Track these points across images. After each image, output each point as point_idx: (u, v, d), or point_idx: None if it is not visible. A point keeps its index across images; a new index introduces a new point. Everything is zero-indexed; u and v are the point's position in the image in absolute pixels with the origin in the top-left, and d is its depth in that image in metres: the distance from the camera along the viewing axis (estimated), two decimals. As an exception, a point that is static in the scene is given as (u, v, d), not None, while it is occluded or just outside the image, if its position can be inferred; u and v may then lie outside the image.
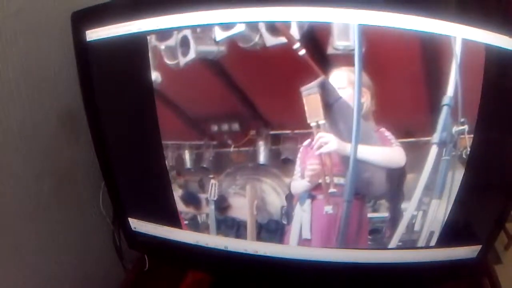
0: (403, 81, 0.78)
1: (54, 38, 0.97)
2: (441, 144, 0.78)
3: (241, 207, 0.91)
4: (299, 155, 0.85)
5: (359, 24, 0.73)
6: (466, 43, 0.72)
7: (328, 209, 0.84)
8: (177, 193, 0.94)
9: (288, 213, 0.88)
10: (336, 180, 0.83)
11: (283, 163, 0.87)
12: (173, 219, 0.96)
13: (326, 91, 0.78)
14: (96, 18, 0.84)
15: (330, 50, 0.77)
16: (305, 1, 0.73)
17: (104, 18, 0.84)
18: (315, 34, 0.77)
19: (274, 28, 0.77)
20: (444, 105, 0.76)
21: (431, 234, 0.85)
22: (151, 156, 0.92)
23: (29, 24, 0.91)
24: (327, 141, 0.80)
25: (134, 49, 0.84)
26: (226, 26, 0.79)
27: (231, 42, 0.80)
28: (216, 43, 0.80)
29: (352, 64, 0.75)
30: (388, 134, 0.80)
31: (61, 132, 1.04)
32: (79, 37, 0.86)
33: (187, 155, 0.91)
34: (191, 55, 0.82)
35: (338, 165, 0.82)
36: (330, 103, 0.79)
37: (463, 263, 0.88)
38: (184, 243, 0.97)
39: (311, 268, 0.91)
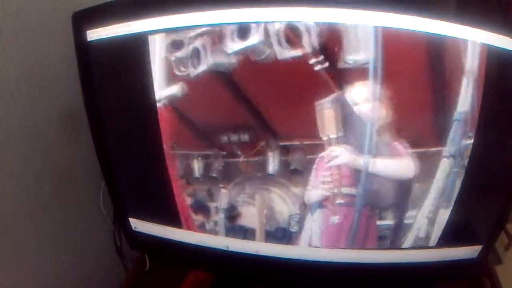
0: (417, 95, 0.80)
1: (54, 38, 0.97)
2: (451, 157, 0.80)
3: (250, 216, 0.92)
4: (314, 166, 0.86)
5: (375, 26, 0.74)
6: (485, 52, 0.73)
7: (334, 219, 0.87)
8: (186, 201, 0.95)
9: (300, 221, 0.90)
10: (344, 190, 0.85)
11: (291, 174, 0.88)
12: (174, 219, 0.95)
13: (340, 106, 0.79)
14: (97, 18, 0.84)
15: (341, 64, 0.78)
16: (325, 2, 0.73)
17: (105, 18, 0.83)
18: (326, 48, 0.77)
19: (286, 41, 0.77)
20: (455, 120, 0.78)
21: (432, 234, 0.86)
22: (151, 156, 0.91)
23: (29, 23, 0.90)
24: (337, 155, 0.82)
25: (135, 49, 0.83)
26: (239, 37, 0.79)
27: (243, 55, 0.80)
28: (228, 55, 0.80)
29: (367, 79, 0.77)
30: (400, 147, 0.81)
31: (61, 131, 1.04)
32: (80, 37, 0.86)
33: (196, 165, 0.91)
34: (202, 66, 0.82)
35: (348, 176, 0.84)
36: (343, 117, 0.80)
37: (463, 263, 0.89)
38: (185, 243, 0.98)
39: (313, 268, 0.92)
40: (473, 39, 0.72)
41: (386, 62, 0.76)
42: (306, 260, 0.92)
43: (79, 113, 0.98)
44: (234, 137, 0.87)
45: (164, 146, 0.89)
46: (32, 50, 0.92)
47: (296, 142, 0.86)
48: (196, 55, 0.82)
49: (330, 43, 0.77)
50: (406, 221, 0.86)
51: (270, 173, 0.89)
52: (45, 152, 1.00)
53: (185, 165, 0.92)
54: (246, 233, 0.94)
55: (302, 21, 0.75)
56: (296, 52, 0.78)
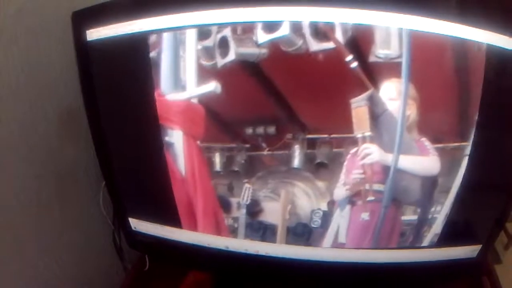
0: (445, 92, 0.81)
1: (54, 38, 0.97)
2: None
3: (273, 211, 0.91)
4: (345, 163, 0.86)
5: (408, 30, 0.74)
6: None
7: (365, 215, 0.87)
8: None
9: (324, 217, 0.90)
10: (375, 187, 0.85)
11: (317, 167, 0.88)
12: (173, 218, 0.95)
13: (374, 104, 0.80)
14: (97, 17, 0.83)
15: (372, 58, 0.78)
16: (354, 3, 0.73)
17: (105, 17, 0.83)
18: (357, 42, 0.77)
19: (319, 33, 0.77)
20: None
21: (432, 233, 0.87)
22: (151, 156, 0.91)
23: (29, 23, 0.91)
24: (370, 152, 0.83)
25: (135, 49, 0.83)
26: (269, 28, 0.78)
27: (274, 45, 0.79)
28: (258, 45, 0.79)
29: (399, 75, 0.77)
30: (427, 144, 0.83)
31: (61, 131, 1.04)
32: (80, 37, 0.85)
33: (217, 158, 0.90)
34: (231, 56, 0.81)
35: (379, 173, 0.84)
36: (377, 115, 0.81)
37: (463, 263, 0.89)
38: (185, 243, 0.97)
39: (312, 268, 0.92)
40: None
41: (414, 59, 0.76)
42: (306, 259, 0.92)
43: (79, 113, 0.97)
44: (260, 129, 0.86)
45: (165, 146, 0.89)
46: (32, 50, 0.92)
47: (324, 135, 0.86)
48: (224, 44, 0.81)
49: (362, 36, 0.77)
50: (430, 216, 0.87)
51: (295, 166, 0.88)
52: (45, 152, 1.00)
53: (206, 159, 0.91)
54: (266, 230, 0.93)
55: (330, 21, 0.76)
56: (329, 45, 0.78)
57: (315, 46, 0.78)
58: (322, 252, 0.91)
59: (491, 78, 0.74)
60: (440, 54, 0.78)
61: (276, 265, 0.94)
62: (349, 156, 0.86)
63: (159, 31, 0.81)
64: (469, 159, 0.79)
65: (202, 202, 0.93)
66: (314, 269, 0.93)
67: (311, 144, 0.87)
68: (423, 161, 0.84)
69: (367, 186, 0.86)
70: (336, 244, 0.90)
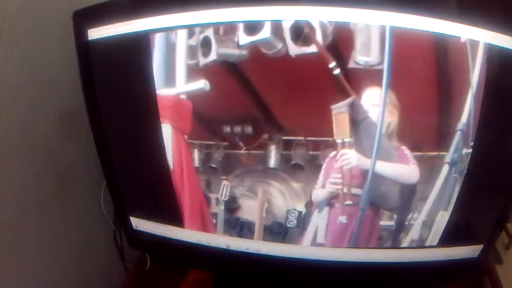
0: (427, 102, 0.82)
1: (55, 37, 0.97)
2: (452, 163, 0.82)
3: (250, 209, 0.93)
4: (324, 165, 0.87)
5: (383, 27, 0.75)
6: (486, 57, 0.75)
7: (342, 218, 0.88)
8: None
9: (305, 218, 0.91)
10: (353, 191, 0.86)
11: (292, 168, 0.90)
12: (174, 217, 0.95)
13: (355, 111, 0.81)
14: (98, 17, 0.84)
15: (351, 65, 0.79)
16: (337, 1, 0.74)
17: (106, 17, 0.83)
18: (337, 47, 0.78)
19: (299, 37, 0.78)
20: (457, 130, 0.80)
21: (433, 234, 0.87)
22: (152, 155, 0.91)
23: (30, 23, 0.91)
24: (348, 158, 0.84)
25: (136, 48, 0.83)
26: (251, 30, 0.79)
27: (254, 47, 0.80)
28: (239, 47, 0.81)
29: (379, 82, 0.78)
30: (407, 152, 0.84)
31: (61, 131, 1.04)
32: (81, 36, 0.86)
33: (196, 154, 0.92)
34: (212, 56, 0.82)
35: (357, 177, 0.85)
36: (357, 122, 0.82)
37: (464, 263, 0.89)
38: (186, 241, 0.97)
39: (313, 267, 0.92)
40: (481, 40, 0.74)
41: (395, 65, 0.77)
42: (306, 259, 0.92)
43: (79, 113, 0.98)
44: (237, 128, 0.88)
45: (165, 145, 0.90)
46: (32, 50, 0.92)
47: (300, 137, 0.87)
48: (206, 44, 0.82)
49: (342, 42, 0.78)
50: (407, 222, 0.87)
51: (271, 166, 0.90)
52: (45, 152, 1.00)
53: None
54: (244, 227, 0.95)
55: (313, 20, 0.76)
56: (308, 49, 0.79)
57: (294, 50, 0.79)
58: (322, 252, 0.91)
59: (493, 78, 0.75)
60: (424, 63, 0.80)
61: (276, 265, 0.94)
62: (327, 159, 0.86)
63: (159, 30, 0.82)
64: (470, 159, 0.80)
65: (188, 196, 0.94)
66: (315, 269, 0.93)
67: (287, 145, 0.88)
68: (402, 169, 0.84)
69: (345, 190, 0.86)
70: (330, 244, 0.91)
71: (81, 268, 1.16)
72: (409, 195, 0.86)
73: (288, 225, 0.92)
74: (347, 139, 0.83)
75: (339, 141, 0.83)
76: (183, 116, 0.89)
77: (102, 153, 0.97)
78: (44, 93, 0.97)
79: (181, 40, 0.84)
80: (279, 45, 0.79)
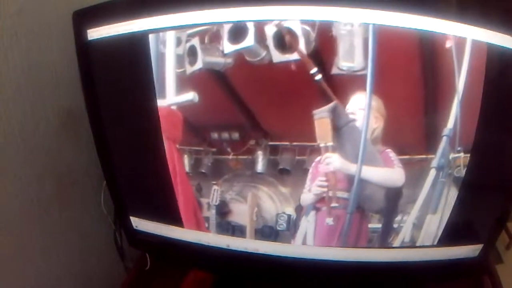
0: (414, 107, 0.82)
1: (55, 38, 0.97)
2: (439, 168, 0.83)
3: (240, 213, 0.94)
4: (310, 170, 0.88)
5: (374, 24, 0.75)
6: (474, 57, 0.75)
7: (329, 221, 0.89)
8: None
9: (295, 222, 0.92)
10: (339, 194, 0.87)
11: (280, 173, 0.91)
12: (175, 217, 0.96)
13: (336, 116, 0.82)
14: (98, 17, 0.84)
15: (334, 71, 0.80)
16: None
17: (105, 17, 0.83)
18: (320, 53, 0.79)
19: (282, 44, 0.79)
20: (444, 135, 0.81)
21: (437, 229, 0.87)
22: (152, 155, 0.92)
23: (30, 23, 0.90)
24: (331, 162, 0.85)
25: (136, 48, 0.84)
26: (235, 38, 0.80)
27: (239, 55, 0.81)
28: (224, 55, 0.82)
29: (362, 88, 0.78)
30: (392, 155, 0.84)
31: (62, 131, 1.04)
32: (81, 36, 0.86)
33: (186, 160, 0.93)
34: (198, 65, 0.84)
35: (342, 181, 0.86)
36: (339, 126, 0.83)
37: (464, 262, 0.89)
38: (186, 241, 0.98)
39: (313, 267, 0.93)
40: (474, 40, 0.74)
41: (380, 70, 0.77)
42: (306, 258, 0.93)
43: (80, 113, 0.99)
44: (225, 135, 0.89)
45: (165, 144, 0.90)
46: (32, 50, 0.92)
47: (286, 143, 0.89)
48: (192, 53, 0.83)
49: (325, 48, 0.78)
50: (396, 225, 0.88)
51: (259, 171, 0.91)
52: (46, 152, 1.00)
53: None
54: (235, 230, 0.96)
55: (295, 19, 0.77)
56: (291, 57, 0.80)
57: (278, 57, 0.80)
58: (322, 251, 0.92)
59: (493, 78, 0.75)
60: (409, 67, 0.80)
61: (276, 264, 0.95)
62: (314, 164, 0.88)
63: (159, 31, 0.82)
64: (470, 159, 0.80)
65: (183, 201, 0.96)
66: (314, 268, 0.93)
67: (273, 150, 0.89)
68: (387, 173, 0.85)
69: (330, 193, 0.87)
70: (330, 245, 0.92)
71: (82, 268, 1.16)
72: (395, 198, 0.86)
73: (278, 228, 0.93)
74: (329, 143, 0.84)
75: (322, 145, 0.84)
76: (174, 126, 0.91)
77: (102, 154, 0.97)
78: (44, 93, 0.97)
79: (170, 49, 0.85)
80: (263, 53, 0.80)
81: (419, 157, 0.84)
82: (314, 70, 0.79)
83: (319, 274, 0.95)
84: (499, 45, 0.72)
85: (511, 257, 1.15)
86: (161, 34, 0.83)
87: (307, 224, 0.91)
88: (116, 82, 0.89)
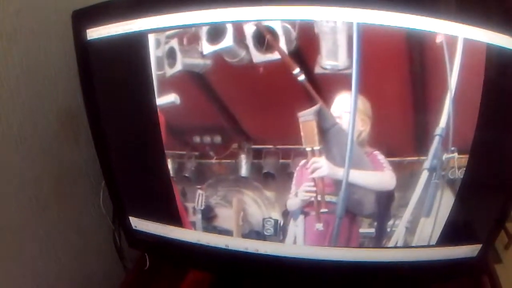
0: (402, 108, 0.80)
1: (54, 37, 0.96)
2: (432, 169, 0.80)
3: (226, 218, 0.93)
4: (295, 174, 0.86)
5: (358, 23, 0.72)
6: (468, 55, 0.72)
7: (319, 226, 0.87)
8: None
9: (282, 227, 0.91)
10: (327, 198, 0.85)
11: (264, 177, 0.89)
12: (174, 217, 0.96)
13: (322, 118, 0.79)
14: (97, 16, 0.83)
15: (318, 70, 0.77)
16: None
17: (105, 16, 0.83)
18: (302, 52, 0.76)
19: (262, 44, 0.77)
20: (436, 135, 0.78)
21: (432, 233, 0.86)
22: (151, 155, 0.92)
23: (29, 23, 0.90)
24: (320, 166, 0.83)
25: (135, 48, 0.83)
26: (214, 39, 0.78)
27: (218, 56, 0.79)
28: (203, 56, 0.80)
29: (347, 87, 0.76)
30: (381, 157, 0.82)
31: (61, 131, 1.04)
32: (80, 36, 0.86)
33: (170, 164, 0.91)
34: (178, 67, 0.82)
35: (330, 185, 0.84)
36: (325, 129, 0.80)
37: (463, 262, 0.89)
38: (185, 241, 0.98)
39: (312, 267, 0.92)
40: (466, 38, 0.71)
41: (366, 68, 0.75)
42: (306, 258, 0.92)
43: (79, 113, 0.99)
44: (207, 138, 0.87)
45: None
46: (31, 50, 0.92)
47: (269, 146, 0.86)
48: (172, 55, 0.82)
49: (307, 46, 0.76)
50: (388, 229, 0.86)
51: (243, 175, 0.89)
52: (45, 152, 1.00)
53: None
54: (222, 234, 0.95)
55: (276, 20, 0.75)
56: (272, 56, 0.77)
57: (258, 57, 0.78)
58: (322, 251, 0.91)
59: (493, 78, 0.73)
60: (397, 65, 0.77)
61: (275, 264, 0.94)
62: (298, 168, 0.86)
63: (158, 30, 0.81)
64: (469, 159, 0.78)
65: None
66: (313, 268, 0.93)
67: (257, 154, 0.87)
68: (376, 176, 0.83)
69: (318, 198, 0.85)
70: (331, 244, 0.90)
71: (81, 268, 1.16)
72: (386, 202, 0.84)
73: (266, 233, 0.92)
74: (316, 147, 0.81)
75: (308, 149, 0.82)
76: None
77: (101, 153, 0.97)
78: (43, 93, 0.97)
79: (151, 51, 0.84)
80: (242, 53, 0.78)
81: (409, 158, 0.81)
82: (296, 70, 0.77)
83: (318, 274, 0.94)
84: (496, 45, 0.71)
85: (510, 257, 1.16)
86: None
87: (296, 229, 0.90)
88: (115, 82, 0.89)
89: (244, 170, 0.88)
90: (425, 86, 0.77)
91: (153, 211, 0.99)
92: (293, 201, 0.88)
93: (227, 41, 0.77)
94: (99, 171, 1.00)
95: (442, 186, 0.81)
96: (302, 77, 0.77)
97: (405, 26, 0.71)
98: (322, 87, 0.78)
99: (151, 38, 0.82)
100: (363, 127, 0.80)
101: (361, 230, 0.88)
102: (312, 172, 0.83)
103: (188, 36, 0.80)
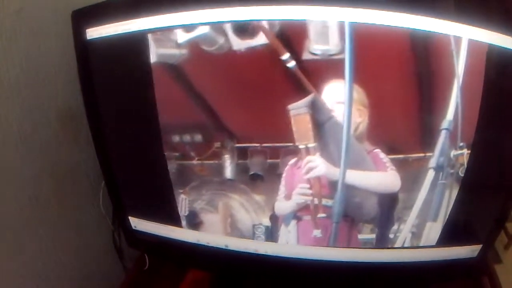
0: (400, 97, 0.73)
1: (54, 37, 0.96)
2: (439, 168, 0.74)
3: (213, 224, 0.87)
4: (284, 174, 0.80)
5: (350, 23, 0.66)
6: (471, 49, 0.66)
7: (317, 233, 0.81)
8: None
9: (272, 233, 0.85)
10: (325, 202, 0.78)
11: (252, 179, 0.82)
12: (173, 217, 0.93)
13: (317, 111, 0.71)
14: (97, 16, 0.82)
15: (306, 56, 0.70)
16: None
17: (104, 16, 0.81)
18: (288, 36, 0.69)
19: (242, 29, 0.70)
20: (443, 129, 0.72)
21: (432, 233, 0.82)
22: (151, 155, 0.89)
23: (29, 23, 0.89)
24: (315, 166, 0.75)
25: (135, 48, 0.81)
26: (190, 27, 0.73)
27: (194, 45, 0.74)
28: (178, 45, 0.74)
29: (341, 75, 0.68)
30: (383, 156, 0.75)
31: (60, 131, 1.03)
32: (80, 36, 0.84)
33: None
34: (152, 58, 0.77)
35: (328, 187, 0.77)
36: (321, 123, 0.73)
37: (463, 263, 0.87)
38: (185, 241, 0.95)
39: (312, 267, 0.89)
40: (470, 37, 0.65)
41: (360, 53, 0.67)
42: (305, 258, 0.88)
43: (79, 113, 0.97)
44: (187, 137, 0.81)
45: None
46: (31, 50, 0.91)
47: (255, 144, 0.79)
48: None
49: (293, 30, 0.69)
50: (390, 235, 0.81)
51: (228, 177, 0.82)
52: (44, 152, 0.99)
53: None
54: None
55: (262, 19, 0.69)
56: (254, 42, 0.70)
57: (238, 44, 0.71)
58: (321, 251, 0.86)
59: (493, 78, 0.69)
60: (396, 48, 0.70)
61: (275, 264, 0.91)
62: (287, 167, 0.78)
63: (157, 30, 0.78)
64: (469, 159, 0.74)
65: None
66: (314, 268, 0.89)
67: (242, 153, 0.80)
68: (379, 177, 0.76)
69: (315, 201, 0.78)
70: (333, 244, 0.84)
71: (80, 268, 1.14)
72: (390, 205, 0.77)
73: (257, 240, 0.86)
74: (311, 145, 0.73)
75: (302, 146, 0.74)
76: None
77: (101, 153, 0.96)
78: (43, 93, 0.96)
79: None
80: (221, 40, 0.72)
81: (414, 155, 0.74)
82: (286, 55, 0.69)
83: (319, 274, 0.92)
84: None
85: (510, 257, 1.15)
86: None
87: (288, 235, 0.83)
88: (115, 81, 0.87)
89: (229, 172, 0.82)
90: (428, 72, 0.71)
91: (152, 211, 0.98)
92: (284, 205, 0.81)
93: (203, 27, 0.71)
94: (99, 171, 0.99)
95: (451, 187, 0.75)
96: (292, 64, 0.69)
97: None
98: (314, 75, 0.70)
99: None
100: (360, 118, 0.73)
101: (360, 236, 0.82)
102: (307, 172, 0.75)
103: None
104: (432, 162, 0.73)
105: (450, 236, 0.82)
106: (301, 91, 0.70)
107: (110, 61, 0.86)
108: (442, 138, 0.71)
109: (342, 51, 0.67)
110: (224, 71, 0.75)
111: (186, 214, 0.87)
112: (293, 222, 0.81)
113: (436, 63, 0.70)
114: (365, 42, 0.67)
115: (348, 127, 0.71)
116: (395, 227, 0.79)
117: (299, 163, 0.76)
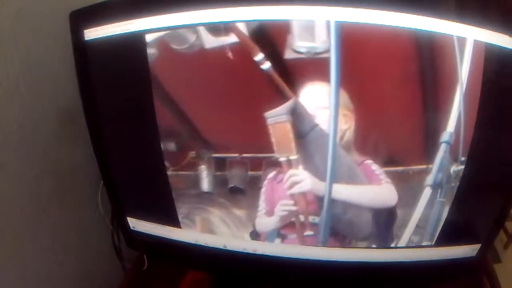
0: (391, 102, 0.67)
1: (53, 38, 0.95)
2: (436, 186, 0.69)
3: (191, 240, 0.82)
4: (263, 189, 0.74)
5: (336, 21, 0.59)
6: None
7: None
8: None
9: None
10: (312, 219, 0.72)
11: (231, 192, 0.75)
12: (172, 218, 0.91)
13: (298, 118, 0.64)
14: (95, 17, 0.81)
15: (289, 54, 0.63)
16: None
17: (102, 17, 0.80)
18: (268, 33, 0.62)
19: (215, 27, 0.64)
20: (442, 142, 0.66)
21: (431, 233, 0.80)
22: (149, 155, 0.88)
23: (28, 23, 0.89)
24: (300, 180, 0.69)
25: (133, 48, 0.79)
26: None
27: (163, 44, 0.69)
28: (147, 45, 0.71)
29: (328, 76, 0.61)
30: (375, 167, 0.68)
31: (60, 132, 1.02)
32: (78, 36, 0.84)
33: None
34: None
35: (315, 203, 0.70)
36: (303, 132, 0.65)
37: (462, 262, 0.87)
38: (183, 242, 0.94)
39: (311, 267, 0.88)
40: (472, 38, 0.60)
41: (348, 52, 0.61)
42: (304, 258, 0.86)
43: (78, 113, 0.96)
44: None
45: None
46: (31, 50, 0.90)
47: (233, 155, 0.72)
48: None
49: (274, 26, 0.62)
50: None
51: (205, 190, 0.76)
52: (44, 152, 0.98)
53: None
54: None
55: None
56: (227, 39, 0.64)
57: (211, 42, 0.64)
58: (321, 251, 0.83)
59: (492, 78, 0.66)
60: (388, 47, 0.63)
61: (274, 265, 0.89)
62: (266, 181, 0.72)
63: (156, 31, 0.75)
64: (468, 159, 0.71)
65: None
66: (313, 268, 0.88)
67: (219, 164, 0.74)
68: (371, 191, 0.69)
69: (301, 218, 0.71)
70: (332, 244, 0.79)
71: (79, 268, 1.14)
72: (387, 221, 0.71)
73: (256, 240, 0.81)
74: (293, 157, 0.66)
75: (282, 159, 0.67)
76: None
77: (99, 154, 0.95)
78: (42, 93, 0.95)
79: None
80: (192, 38, 0.66)
81: (410, 168, 0.68)
82: (259, 56, 0.62)
83: (318, 274, 0.91)
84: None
85: (509, 256, 1.16)
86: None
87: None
88: (114, 82, 0.86)
89: (205, 184, 0.76)
90: (425, 75, 0.66)
91: (151, 212, 0.96)
92: (265, 221, 0.75)
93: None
94: (97, 172, 0.99)
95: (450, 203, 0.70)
96: (266, 65, 0.62)
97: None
98: (295, 77, 0.63)
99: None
100: (347, 125, 0.66)
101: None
102: (290, 187, 0.68)
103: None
104: (429, 179, 0.67)
105: (449, 235, 0.82)
106: (281, 96, 0.63)
107: (109, 61, 0.85)
108: (441, 152, 0.65)
109: (329, 49, 0.59)
110: (196, 73, 0.70)
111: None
112: (277, 241, 0.76)
113: (435, 64, 0.64)
114: (354, 41, 0.60)
115: (335, 135, 0.64)
116: (393, 243, 0.74)
117: (280, 176, 0.69)
